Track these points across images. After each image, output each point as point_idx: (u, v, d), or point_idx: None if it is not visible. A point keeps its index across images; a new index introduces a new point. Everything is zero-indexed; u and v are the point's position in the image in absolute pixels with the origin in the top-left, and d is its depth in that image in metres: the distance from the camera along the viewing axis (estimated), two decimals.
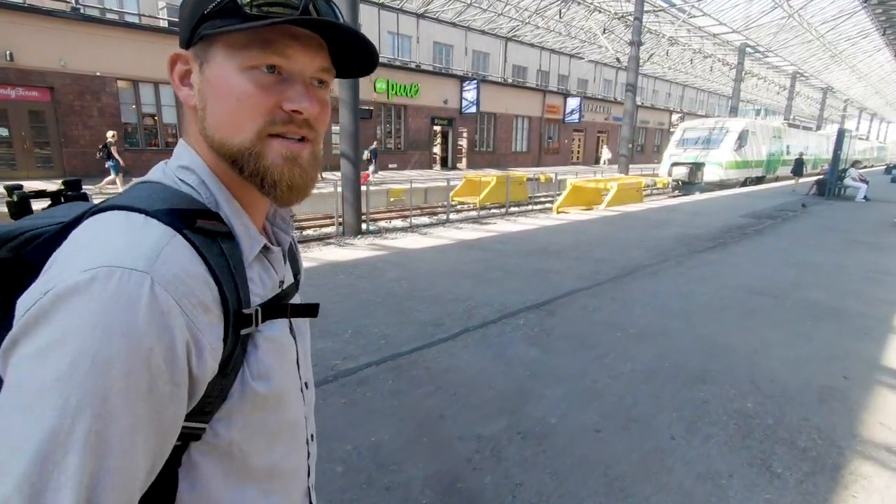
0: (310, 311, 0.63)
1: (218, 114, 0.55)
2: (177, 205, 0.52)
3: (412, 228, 12.81)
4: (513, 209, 16.94)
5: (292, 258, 0.72)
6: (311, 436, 0.71)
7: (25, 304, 0.44)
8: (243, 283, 0.55)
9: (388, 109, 22.60)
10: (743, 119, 21.02)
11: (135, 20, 16.56)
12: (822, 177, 15.42)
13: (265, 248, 0.61)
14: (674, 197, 17.41)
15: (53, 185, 0.69)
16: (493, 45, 28.84)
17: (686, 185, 19.01)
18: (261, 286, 0.59)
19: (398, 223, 13.39)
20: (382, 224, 13.20)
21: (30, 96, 14.05)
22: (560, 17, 24.06)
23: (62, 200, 0.69)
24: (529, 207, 17.19)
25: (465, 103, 24.64)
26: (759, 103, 56.49)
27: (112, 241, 0.46)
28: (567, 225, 8.86)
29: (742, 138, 19.06)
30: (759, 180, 21.10)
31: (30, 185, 0.78)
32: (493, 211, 16.32)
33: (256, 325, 0.55)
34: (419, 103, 23.24)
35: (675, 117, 39.13)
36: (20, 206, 0.66)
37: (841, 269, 6.01)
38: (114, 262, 0.44)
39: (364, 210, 12.11)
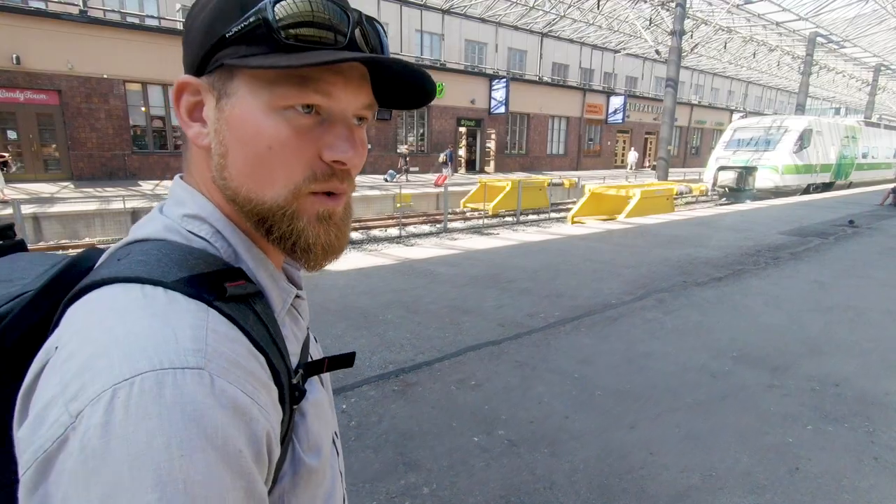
0: (346, 361, 0.55)
1: (243, 163, 0.44)
2: (196, 269, 0.41)
3: (400, 239, 11.68)
4: (531, 216, 15.43)
5: None
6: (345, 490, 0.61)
7: (42, 439, 0.32)
8: (284, 347, 0.45)
9: (410, 110, 21.55)
10: (805, 117, 18.31)
11: (142, 21, 16.40)
12: None
13: (295, 297, 0.51)
14: (722, 205, 15.24)
15: None
16: (531, 42, 27.22)
17: (734, 193, 16.72)
18: (294, 342, 0.50)
19: (393, 231, 12.28)
20: (376, 233, 12.13)
21: (37, 99, 14.08)
22: (598, 9, 22.17)
23: None
24: (546, 216, 15.59)
25: (493, 103, 23.25)
26: (838, 101, 51.34)
27: (139, 331, 0.35)
28: (555, 241, 7.39)
29: (804, 139, 16.50)
30: (826, 187, 18.34)
31: None
32: (507, 219, 14.88)
33: (304, 392, 0.47)
34: (444, 103, 22.08)
35: (736, 116, 35.84)
36: None
37: (892, 317, 4.27)
38: (157, 364, 0.34)
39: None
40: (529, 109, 25.08)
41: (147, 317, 0.36)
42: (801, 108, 24.10)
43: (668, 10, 20.84)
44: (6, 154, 11.28)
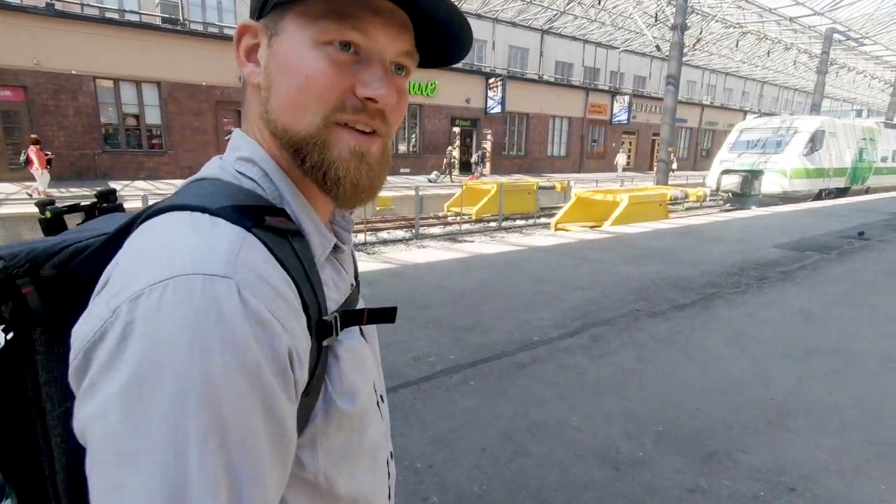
0: (387, 315, 0.55)
1: (283, 94, 0.47)
2: (241, 201, 0.45)
3: (365, 247, 10.83)
4: (518, 221, 14.51)
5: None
6: (390, 454, 0.63)
7: (86, 330, 0.37)
8: (319, 286, 0.47)
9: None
10: (818, 117, 17.07)
11: (115, 16, 15.83)
12: None
13: (335, 248, 0.53)
14: (726, 211, 14.14)
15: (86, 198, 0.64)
16: (532, 40, 26.26)
17: (739, 198, 15.57)
18: (335, 290, 0.52)
19: (362, 237, 11.45)
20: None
21: (2, 96, 13.54)
22: (600, 4, 21.15)
23: (97, 214, 0.64)
24: (534, 221, 14.64)
25: (490, 103, 22.33)
26: (860, 102, 49.41)
27: (180, 244, 0.39)
28: (510, 253, 6.48)
29: (815, 140, 15.29)
30: (840, 192, 17.09)
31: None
32: (491, 224, 13.97)
33: (336, 333, 0.48)
34: (437, 102, 21.22)
35: (750, 117, 34.38)
36: (54, 222, 0.60)
37: (893, 367, 3.29)
38: (189, 269, 0.37)
39: None
40: (529, 109, 24.11)
41: (189, 234, 0.39)
42: (816, 109, 22.79)
43: (673, 4, 19.75)
44: (50, 153, 10.89)
